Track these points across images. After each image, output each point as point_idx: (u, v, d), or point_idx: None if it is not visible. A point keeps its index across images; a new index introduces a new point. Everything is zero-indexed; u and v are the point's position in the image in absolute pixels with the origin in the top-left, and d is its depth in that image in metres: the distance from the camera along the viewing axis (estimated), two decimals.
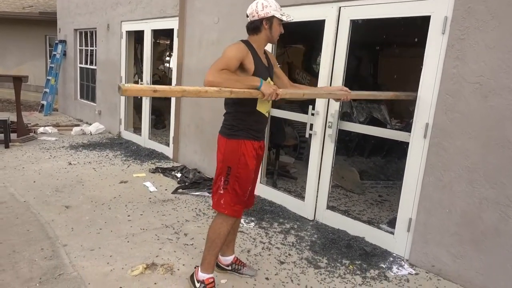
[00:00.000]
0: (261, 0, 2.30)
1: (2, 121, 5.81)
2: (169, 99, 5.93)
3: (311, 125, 3.71)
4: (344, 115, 5.15)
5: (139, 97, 6.62)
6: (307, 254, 3.13)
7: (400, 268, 2.99)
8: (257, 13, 2.29)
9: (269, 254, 3.08)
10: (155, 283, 2.57)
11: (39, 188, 4.22)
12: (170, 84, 6.61)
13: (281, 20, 2.35)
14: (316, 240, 3.36)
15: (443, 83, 2.82)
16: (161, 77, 10.11)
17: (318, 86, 3.60)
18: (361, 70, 7.90)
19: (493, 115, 2.59)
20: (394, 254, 3.18)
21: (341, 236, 3.41)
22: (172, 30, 5.76)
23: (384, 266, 3.00)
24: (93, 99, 8.48)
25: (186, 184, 4.55)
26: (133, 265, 2.75)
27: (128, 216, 3.64)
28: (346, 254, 3.14)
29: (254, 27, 2.33)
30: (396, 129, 5.98)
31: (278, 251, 3.15)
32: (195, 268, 2.55)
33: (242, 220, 3.52)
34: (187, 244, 3.15)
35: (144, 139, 6.56)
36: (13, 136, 6.16)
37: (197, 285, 2.45)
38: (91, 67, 8.54)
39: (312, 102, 3.71)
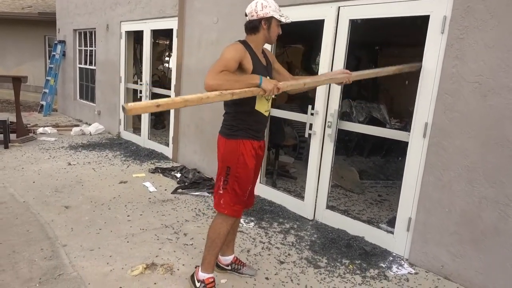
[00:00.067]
0: (261, 0, 2.31)
1: (1, 121, 5.81)
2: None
3: (311, 124, 3.71)
4: (344, 115, 5.15)
5: (138, 97, 6.62)
6: (307, 253, 3.13)
7: (399, 267, 3.00)
8: (256, 13, 2.29)
9: (269, 254, 3.08)
10: (155, 283, 2.57)
11: (39, 188, 4.22)
12: (169, 84, 6.61)
13: (280, 21, 2.35)
14: (316, 240, 3.36)
15: (442, 82, 2.82)
16: (161, 77, 10.09)
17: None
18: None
19: (492, 114, 2.59)
20: (394, 254, 3.18)
21: (340, 236, 3.41)
22: (171, 30, 5.76)
23: (383, 266, 3.00)
24: (92, 100, 8.47)
25: (186, 184, 4.55)
26: (133, 265, 2.75)
27: (128, 216, 3.64)
28: (345, 254, 3.14)
29: (253, 26, 2.34)
30: (395, 128, 5.98)
31: (277, 251, 3.15)
32: (195, 268, 2.56)
33: (241, 220, 3.52)
34: (187, 244, 3.15)
35: (143, 139, 6.56)
36: (13, 136, 6.16)
37: (198, 284, 2.45)
38: (91, 67, 8.54)
39: (312, 101, 3.72)
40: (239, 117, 2.34)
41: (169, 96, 5.86)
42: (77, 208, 3.74)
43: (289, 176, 5.16)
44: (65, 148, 6.11)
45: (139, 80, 6.99)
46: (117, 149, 6.24)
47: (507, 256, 2.57)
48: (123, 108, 1.82)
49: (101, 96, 7.88)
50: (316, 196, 3.76)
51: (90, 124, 7.88)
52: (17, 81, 6.32)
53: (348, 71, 2.62)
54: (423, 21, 2.97)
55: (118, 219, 3.56)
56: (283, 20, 2.34)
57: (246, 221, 3.64)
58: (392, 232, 3.25)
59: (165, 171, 5.10)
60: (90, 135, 7.33)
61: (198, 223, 3.59)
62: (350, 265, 2.98)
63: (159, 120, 8.30)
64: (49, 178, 4.59)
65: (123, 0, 6.77)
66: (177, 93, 5.54)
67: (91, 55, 8.51)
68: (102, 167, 5.20)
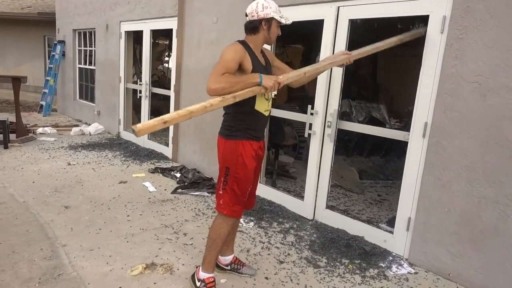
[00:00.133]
0: (262, 1, 2.31)
1: (1, 121, 5.81)
2: (168, 99, 5.93)
3: (310, 124, 3.71)
4: (343, 115, 5.15)
5: (138, 97, 6.63)
6: (307, 253, 3.13)
7: (399, 267, 3.00)
8: (257, 13, 2.30)
9: (269, 254, 3.08)
10: (155, 283, 2.57)
11: (38, 188, 4.22)
12: (169, 84, 6.61)
13: (280, 23, 2.36)
14: (316, 240, 3.36)
15: (441, 82, 2.82)
16: (160, 77, 10.10)
17: (317, 85, 3.61)
18: (360, 70, 7.91)
19: (491, 114, 2.59)
20: (394, 253, 3.18)
21: (340, 236, 3.41)
22: (171, 30, 5.76)
23: (383, 265, 3.00)
24: (92, 100, 8.47)
25: (186, 184, 4.55)
26: (133, 265, 2.75)
27: (128, 216, 3.64)
28: (345, 254, 3.14)
29: (253, 27, 2.34)
30: (395, 128, 5.98)
31: (277, 250, 3.15)
32: (196, 267, 2.56)
33: (241, 220, 3.52)
34: (187, 244, 3.15)
35: (143, 139, 6.56)
36: (12, 136, 6.16)
37: (198, 284, 2.46)
38: (90, 67, 8.54)
39: (311, 101, 3.72)
40: (239, 117, 2.34)
41: (168, 96, 5.89)
42: (76, 208, 3.74)
43: (289, 176, 5.16)
44: (64, 148, 6.10)
45: (138, 80, 6.99)
46: (116, 149, 6.24)
47: (506, 256, 2.58)
48: (133, 131, 1.92)
49: (100, 96, 7.88)
50: (316, 196, 3.76)
51: (89, 124, 7.87)
52: (16, 81, 6.32)
53: (347, 51, 2.63)
54: (423, 21, 2.97)
55: (117, 219, 3.56)
56: (283, 21, 2.35)
57: (246, 220, 3.64)
58: (391, 232, 3.25)
59: (165, 171, 5.10)
60: (90, 135, 7.33)
61: (198, 223, 3.59)
62: (350, 265, 2.98)
63: None
64: (49, 178, 4.59)
65: (122, 0, 6.77)
66: (177, 93, 5.54)
67: (90, 55, 8.51)
68: (101, 167, 5.20)
